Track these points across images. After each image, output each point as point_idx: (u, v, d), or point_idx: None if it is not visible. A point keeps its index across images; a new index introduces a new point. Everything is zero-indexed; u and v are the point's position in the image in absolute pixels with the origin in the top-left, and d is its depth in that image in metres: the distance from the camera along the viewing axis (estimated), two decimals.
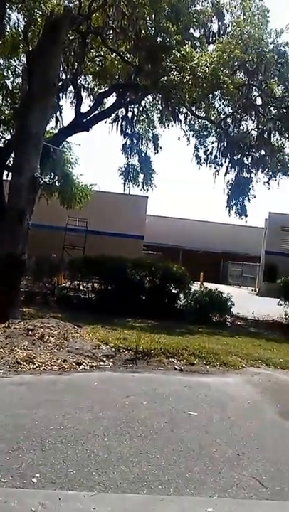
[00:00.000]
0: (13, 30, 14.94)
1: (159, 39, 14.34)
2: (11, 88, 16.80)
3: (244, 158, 19.09)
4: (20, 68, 15.51)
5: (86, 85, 18.33)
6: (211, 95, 16.35)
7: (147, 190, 21.96)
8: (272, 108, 17.26)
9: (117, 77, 17.09)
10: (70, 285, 14.50)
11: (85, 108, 17.64)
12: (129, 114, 19.33)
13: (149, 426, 4.81)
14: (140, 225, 31.33)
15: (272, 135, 17.65)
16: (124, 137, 20.23)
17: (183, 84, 14.21)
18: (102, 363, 7.21)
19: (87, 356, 7.30)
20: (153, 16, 14.10)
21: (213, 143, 19.70)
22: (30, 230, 10.46)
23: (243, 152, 18.77)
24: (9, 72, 16.72)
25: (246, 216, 20.14)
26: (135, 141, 20.66)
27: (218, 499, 3.59)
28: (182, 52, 13.76)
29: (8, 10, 14.04)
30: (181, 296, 13.56)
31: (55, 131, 17.70)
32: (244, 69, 15.79)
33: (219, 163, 19.53)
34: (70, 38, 14.40)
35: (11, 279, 9.94)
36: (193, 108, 17.44)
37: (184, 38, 14.26)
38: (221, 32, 16.29)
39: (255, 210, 30.16)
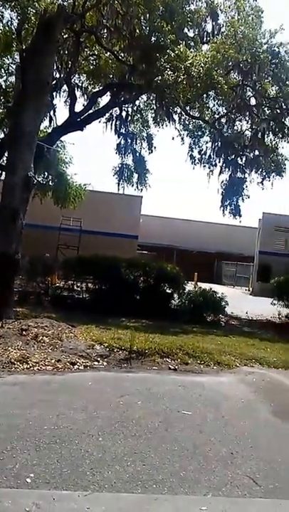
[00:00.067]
0: (7, 28, 14.88)
1: (153, 38, 14.35)
2: (4, 87, 16.77)
3: (238, 159, 19.15)
4: (14, 67, 15.46)
5: (80, 84, 18.33)
6: (205, 95, 16.41)
7: (141, 190, 21.96)
8: (266, 108, 17.32)
9: (111, 76, 17.09)
10: (64, 285, 14.46)
11: (79, 107, 17.65)
12: (124, 114, 19.35)
13: (143, 425, 4.81)
14: (134, 224, 31.32)
15: (266, 135, 17.71)
16: (119, 137, 20.24)
17: (177, 84, 14.24)
18: (96, 362, 7.20)
19: (81, 356, 7.28)
20: (147, 15, 14.11)
21: (207, 143, 19.78)
22: (24, 230, 10.43)
23: (237, 152, 18.83)
24: (2, 71, 16.68)
25: (240, 216, 20.22)
26: (129, 140, 20.64)
27: (212, 498, 3.60)
28: (176, 52, 13.79)
29: (1, 8, 14.04)
30: (176, 295, 13.57)
31: (49, 130, 17.66)
32: (238, 69, 15.84)
33: (213, 163, 19.60)
34: (64, 36, 14.36)
35: (5, 279, 9.91)
36: (188, 108, 17.50)
37: (178, 37, 14.28)
38: (215, 32, 16.34)
39: (249, 210, 30.23)
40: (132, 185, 21.67)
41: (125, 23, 13.89)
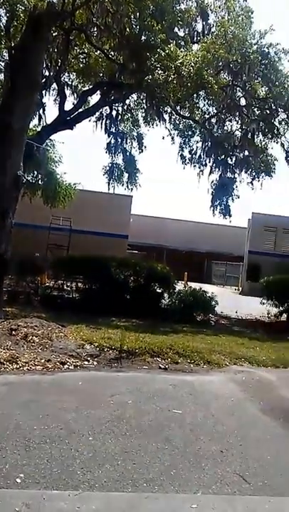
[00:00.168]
0: None
1: (143, 37, 14.31)
2: None
3: (228, 159, 19.22)
4: (3, 64, 15.36)
5: (70, 83, 18.23)
6: (195, 95, 16.43)
7: (132, 189, 21.91)
8: (255, 109, 17.39)
9: (101, 75, 17.04)
10: (54, 284, 14.41)
11: (68, 106, 17.57)
12: (114, 113, 19.26)
13: (133, 425, 4.81)
14: (124, 224, 31.31)
15: (255, 136, 17.80)
16: (109, 136, 20.16)
17: (167, 83, 14.24)
18: (86, 362, 7.18)
19: (71, 356, 7.26)
20: (137, 14, 14.07)
21: (197, 143, 19.81)
22: (13, 229, 10.37)
23: (227, 152, 18.90)
24: None
25: (230, 216, 20.26)
26: (119, 140, 20.58)
27: (202, 495, 3.61)
28: (167, 51, 13.78)
29: None
30: (166, 295, 13.59)
31: (39, 128, 17.55)
32: (228, 69, 15.89)
33: (203, 163, 19.64)
34: (54, 34, 14.27)
35: None
36: (178, 107, 17.50)
37: (168, 37, 14.27)
38: (206, 32, 16.36)
39: (239, 210, 30.36)
40: (122, 185, 21.62)
41: (115, 22, 13.84)
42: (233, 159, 19.13)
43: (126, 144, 20.73)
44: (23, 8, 13.19)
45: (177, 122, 19.22)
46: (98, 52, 16.05)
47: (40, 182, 19.53)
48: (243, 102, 17.40)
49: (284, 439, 4.96)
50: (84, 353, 7.47)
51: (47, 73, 15.69)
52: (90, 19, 14.53)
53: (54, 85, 17.21)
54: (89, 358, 7.33)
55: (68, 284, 14.07)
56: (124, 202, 30.69)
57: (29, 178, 17.79)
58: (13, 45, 12.94)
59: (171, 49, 13.92)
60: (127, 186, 21.63)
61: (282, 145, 17.87)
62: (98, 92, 17.56)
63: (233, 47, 14.92)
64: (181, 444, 4.50)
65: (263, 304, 14.22)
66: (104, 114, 19.05)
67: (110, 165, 21.14)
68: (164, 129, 19.13)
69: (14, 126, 10.28)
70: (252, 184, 19.02)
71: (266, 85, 16.22)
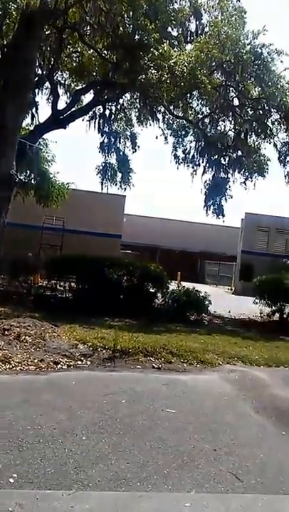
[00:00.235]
0: None
1: (137, 37, 14.32)
2: None
3: (221, 159, 19.29)
4: None
5: (63, 82, 18.21)
6: (188, 95, 16.46)
7: (125, 189, 21.93)
8: (248, 109, 17.46)
9: (94, 74, 17.03)
10: (47, 284, 14.35)
11: (61, 105, 17.52)
12: (107, 112, 19.26)
13: (127, 424, 4.82)
14: (118, 224, 31.25)
15: (248, 136, 17.88)
16: (102, 135, 20.16)
17: (161, 82, 14.24)
18: (79, 362, 7.17)
19: (64, 356, 7.24)
20: (131, 13, 14.09)
21: (191, 142, 19.87)
22: (6, 229, 10.33)
23: (221, 152, 18.96)
24: None
25: (223, 216, 20.35)
26: (113, 139, 20.60)
27: (195, 494, 3.62)
28: (160, 51, 13.77)
29: None
30: (159, 295, 13.57)
31: (31, 127, 17.50)
32: (221, 69, 15.94)
33: (197, 162, 19.71)
34: (47, 32, 14.23)
35: None
36: (171, 107, 17.52)
37: (161, 36, 14.28)
38: (199, 31, 16.41)
39: (232, 210, 30.49)
40: (116, 185, 21.63)
41: (108, 21, 13.83)
42: (226, 159, 19.21)
43: (119, 143, 20.77)
44: (15, 6, 13.13)
45: (171, 122, 19.27)
46: (91, 51, 16.04)
47: (33, 181, 19.43)
48: (236, 102, 17.47)
49: (276, 437, 4.99)
50: (77, 353, 7.46)
51: (40, 72, 15.64)
52: (83, 18, 14.51)
53: (47, 84, 17.18)
54: (82, 358, 7.32)
55: (61, 284, 14.01)
56: (118, 201, 30.64)
57: (22, 178, 17.70)
58: (5, 43, 12.88)
59: (165, 48, 13.93)
60: (121, 186, 21.66)
61: (275, 145, 17.97)
62: (91, 91, 17.54)
63: (226, 47, 14.95)
64: (175, 443, 4.51)
65: (256, 303, 14.25)
66: (98, 114, 19.05)
67: (103, 164, 21.15)
68: (157, 129, 19.19)
69: (7, 125, 10.25)
70: (245, 184, 19.14)
71: (259, 86, 16.28)
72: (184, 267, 33.45)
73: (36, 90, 16.36)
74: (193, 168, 19.80)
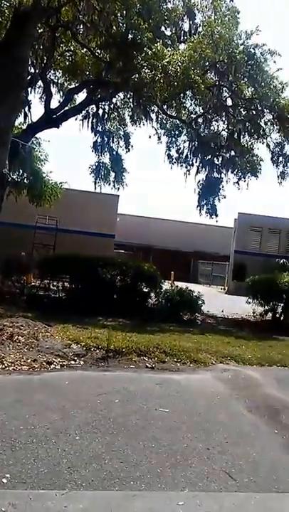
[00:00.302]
0: None
1: (130, 36, 14.31)
2: None
3: (214, 159, 19.33)
4: None
5: (56, 80, 18.14)
6: (182, 94, 16.47)
7: (118, 188, 21.90)
8: (242, 109, 17.51)
9: (87, 73, 16.99)
10: (40, 284, 14.30)
11: (54, 104, 17.47)
12: (100, 112, 19.25)
13: (120, 423, 4.81)
14: (111, 223, 31.21)
15: (241, 136, 17.93)
16: (95, 135, 20.14)
17: (154, 82, 14.24)
18: (73, 362, 7.15)
19: (57, 355, 7.22)
20: (124, 12, 14.06)
21: (184, 142, 19.88)
22: None
23: (214, 152, 19.00)
24: None
25: (216, 216, 20.40)
26: (106, 139, 20.58)
27: (188, 493, 3.63)
28: (154, 50, 13.78)
29: None
30: (152, 294, 13.58)
31: (24, 126, 17.42)
32: (215, 69, 15.97)
33: (190, 162, 19.74)
34: (39, 31, 14.17)
35: None
36: (165, 107, 17.53)
37: (155, 35, 14.30)
38: (192, 31, 16.42)
39: (226, 210, 30.61)
40: (109, 184, 21.61)
41: (102, 20, 13.79)
42: (220, 159, 19.25)
43: (112, 143, 20.76)
44: (8, 4, 13.05)
45: (164, 122, 19.27)
46: (84, 50, 16.00)
47: (25, 181, 19.36)
48: (229, 102, 17.51)
49: (269, 436, 5.01)
50: (70, 353, 7.44)
51: (32, 70, 15.58)
52: (77, 16, 14.46)
53: (40, 83, 17.10)
54: (76, 358, 7.30)
55: (54, 284, 13.98)
56: (111, 201, 30.61)
57: (14, 177, 17.62)
58: None
59: (158, 48, 13.94)
60: (114, 185, 21.63)
61: (268, 145, 18.05)
62: (84, 90, 17.50)
63: (219, 47, 14.99)
64: (168, 442, 4.51)
65: (249, 303, 14.29)
66: (91, 113, 19.03)
67: (97, 164, 21.12)
68: (150, 129, 19.18)
69: (0, 124, 10.19)
70: (238, 184, 19.19)
71: (252, 86, 16.34)
72: (177, 267, 33.51)
73: (29, 89, 16.30)
74: (186, 168, 19.85)
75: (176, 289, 14.01)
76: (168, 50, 14.58)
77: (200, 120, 18.89)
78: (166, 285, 14.59)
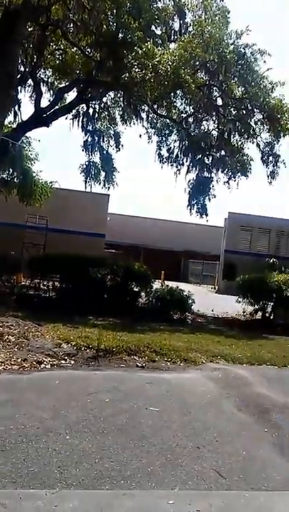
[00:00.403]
0: None
1: (120, 35, 14.30)
2: None
3: (205, 158, 19.34)
4: None
5: (46, 79, 18.04)
6: (172, 94, 16.44)
7: (109, 188, 21.84)
8: (232, 109, 17.56)
9: (77, 72, 16.91)
10: (30, 283, 14.27)
11: (44, 103, 17.37)
12: (90, 111, 19.19)
13: (111, 423, 4.81)
14: (101, 223, 31.13)
15: (232, 136, 17.97)
16: (86, 134, 20.07)
17: (145, 81, 14.23)
18: (63, 361, 7.14)
19: (48, 355, 7.21)
20: (114, 11, 14.04)
21: (175, 142, 19.88)
22: None
23: (204, 152, 19.02)
24: None
25: (207, 215, 20.42)
26: (96, 138, 20.51)
27: (179, 491, 3.65)
28: (144, 50, 13.76)
29: None
30: (143, 294, 13.60)
31: (14, 125, 17.31)
32: (205, 69, 16.01)
33: (181, 162, 19.72)
34: (29, 29, 14.11)
35: None
36: (155, 106, 17.50)
37: (145, 35, 14.26)
38: (183, 31, 16.44)
39: (216, 209, 30.73)
40: (100, 183, 21.54)
41: (92, 18, 13.75)
42: (210, 159, 19.26)
43: (103, 142, 20.69)
44: None
45: (154, 121, 19.25)
46: (75, 48, 15.95)
47: (15, 180, 19.22)
48: (219, 101, 17.55)
49: (258, 434, 5.05)
50: (61, 352, 7.43)
51: (22, 69, 15.50)
52: (67, 15, 14.40)
53: (30, 81, 17.01)
54: (66, 357, 7.28)
55: (45, 283, 13.96)
56: (101, 201, 30.53)
57: (4, 176, 17.50)
58: None
59: (149, 47, 13.92)
60: (104, 185, 21.57)
61: (258, 145, 18.11)
62: (75, 89, 17.43)
63: (209, 46, 15.03)
64: (158, 441, 4.52)
65: (239, 302, 14.38)
66: (81, 112, 18.98)
67: (87, 163, 21.03)
68: (141, 128, 19.18)
69: None
70: (228, 184, 19.20)
71: (242, 85, 16.39)
72: (167, 266, 33.50)
73: (19, 88, 16.20)
74: (177, 167, 19.84)
75: (166, 289, 14.06)
76: (158, 50, 14.57)
77: (190, 119, 18.92)
78: (156, 284, 14.62)
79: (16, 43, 10.92)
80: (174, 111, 18.25)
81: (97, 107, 19.26)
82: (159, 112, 18.15)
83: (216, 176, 19.38)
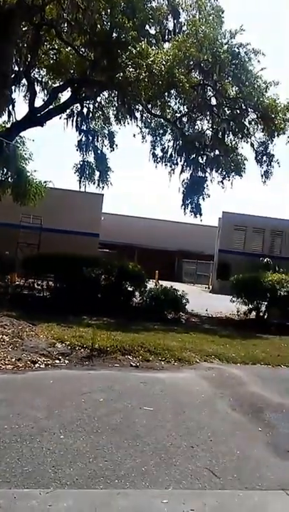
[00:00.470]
0: None
1: (114, 34, 14.30)
2: None
3: (199, 158, 19.38)
4: None
5: (40, 79, 18.02)
6: (166, 93, 16.47)
7: (103, 187, 21.84)
8: (226, 108, 17.61)
9: (72, 71, 16.90)
10: (25, 283, 14.23)
11: (39, 102, 17.35)
12: (85, 110, 19.19)
13: (105, 422, 4.81)
14: (95, 222, 31.13)
15: (226, 135, 18.02)
16: (80, 134, 20.07)
17: (139, 81, 14.24)
18: (57, 361, 7.13)
19: (42, 355, 7.19)
20: (108, 10, 14.04)
21: (169, 141, 19.91)
22: None
23: (198, 151, 19.06)
24: None
25: (201, 215, 20.49)
26: (91, 137, 20.50)
27: (173, 490, 3.65)
28: (138, 49, 13.78)
29: None
30: (137, 293, 13.60)
31: (8, 125, 17.27)
32: (199, 68, 16.04)
33: (175, 161, 19.78)
34: (24, 29, 14.07)
35: None
36: (149, 106, 17.52)
37: (139, 34, 14.28)
38: (177, 30, 16.48)
39: (210, 209, 30.78)
40: (94, 183, 21.54)
41: (86, 18, 13.75)
42: (204, 158, 19.31)
43: (97, 141, 20.69)
44: None
45: (148, 121, 19.27)
46: (69, 48, 15.94)
47: (9, 179, 19.19)
48: (213, 101, 17.60)
49: (252, 433, 5.06)
50: (55, 352, 7.42)
51: (16, 68, 15.45)
52: (61, 15, 14.40)
53: (24, 81, 16.97)
54: (60, 357, 7.27)
55: (39, 283, 13.93)
56: (95, 200, 30.51)
57: None
58: None
59: (143, 47, 13.94)
60: (98, 184, 21.56)
61: (252, 145, 18.18)
62: (69, 88, 17.42)
63: (204, 46, 15.05)
64: (152, 440, 4.53)
65: (233, 302, 14.40)
66: (75, 112, 18.96)
67: (81, 163, 21.03)
68: (135, 127, 19.18)
69: None
70: (222, 183, 19.26)
71: (236, 85, 16.44)
72: (161, 266, 33.52)
73: (13, 87, 16.15)
74: (171, 167, 19.89)
75: (160, 288, 14.07)
76: (152, 49, 14.59)
77: (184, 119, 18.96)
78: (150, 284, 14.62)
79: (10, 43, 10.89)
80: (168, 110, 18.28)
81: (91, 106, 19.28)
82: (153, 111, 18.17)
83: (210, 175, 19.47)
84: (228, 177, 19.03)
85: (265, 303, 14.19)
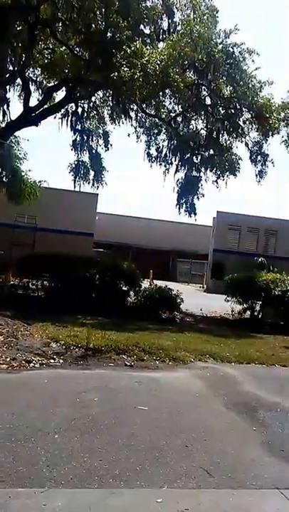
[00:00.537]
0: None
1: (109, 34, 14.29)
2: None
3: (194, 157, 19.42)
4: None
5: (35, 78, 17.98)
6: (161, 93, 16.49)
7: (98, 187, 21.81)
8: (220, 108, 17.65)
9: (66, 71, 16.87)
10: (19, 283, 14.19)
11: (33, 102, 17.31)
12: (79, 110, 19.17)
13: (100, 422, 4.81)
14: (90, 222, 31.12)
15: (220, 135, 18.06)
16: (74, 133, 20.03)
17: (133, 80, 14.24)
18: (52, 360, 7.12)
19: (37, 354, 7.19)
20: (103, 10, 14.02)
21: (163, 141, 19.93)
22: None
23: (193, 151, 19.10)
24: None
25: (195, 214, 20.53)
26: (85, 137, 20.47)
27: (167, 490, 3.65)
28: (133, 49, 13.79)
29: None
30: (132, 293, 13.61)
31: (3, 125, 17.21)
32: (194, 68, 16.07)
33: (169, 161, 19.80)
34: (18, 28, 14.03)
35: None
36: (144, 105, 17.54)
37: (134, 34, 14.27)
38: (171, 30, 16.49)
39: (204, 208, 30.84)
40: (89, 183, 21.51)
41: (81, 18, 13.75)
42: (199, 158, 19.35)
43: (92, 141, 20.66)
44: None
45: (143, 120, 19.28)
46: (63, 48, 15.91)
47: (4, 179, 19.13)
48: (208, 101, 17.64)
49: (247, 433, 5.07)
50: (50, 351, 7.41)
51: (11, 68, 15.40)
52: (55, 14, 14.39)
53: (18, 80, 16.90)
54: (55, 356, 7.27)
55: (34, 283, 13.89)
56: (90, 200, 30.50)
57: None
58: None
59: (137, 46, 13.96)
60: (93, 184, 21.54)
61: (247, 144, 18.24)
62: (64, 88, 17.40)
63: (198, 46, 15.08)
64: (147, 439, 4.53)
65: (228, 301, 14.44)
66: (70, 111, 18.93)
67: (76, 163, 20.99)
68: (130, 127, 19.17)
69: None
70: (217, 183, 19.31)
71: (231, 85, 16.48)
72: (156, 266, 33.55)
73: (7, 87, 16.09)
74: (165, 166, 19.91)
75: (155, 288, 14.08)
76: (147, 49, 14.60)
77: (179, 119, 18.99)
78: (145, 284, 14.63)
79: (4, 42, 10.85)
80: (162, 110, 18.29)
81: (86, 106, 19.26)
82: (147, 111, 18.19)
83: (205, 175, 19.53)
84: (223, 177, 19.10)
85: (260, 302, 14.25)
